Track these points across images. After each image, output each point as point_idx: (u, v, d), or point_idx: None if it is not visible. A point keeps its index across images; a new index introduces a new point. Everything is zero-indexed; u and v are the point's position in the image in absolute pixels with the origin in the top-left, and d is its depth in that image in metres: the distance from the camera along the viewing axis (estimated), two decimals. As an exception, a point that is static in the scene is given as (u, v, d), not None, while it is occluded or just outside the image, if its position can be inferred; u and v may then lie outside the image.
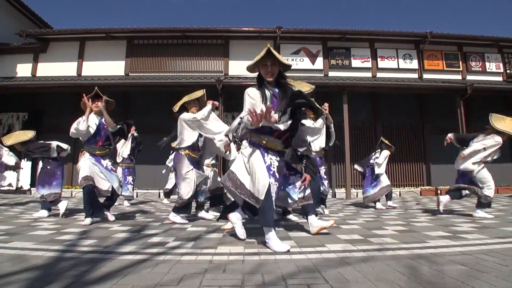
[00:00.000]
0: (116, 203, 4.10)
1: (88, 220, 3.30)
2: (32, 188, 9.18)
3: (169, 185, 6.81)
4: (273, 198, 2.19)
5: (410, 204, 6.13)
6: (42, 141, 4.51)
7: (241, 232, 2.37)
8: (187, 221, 3.47)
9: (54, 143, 4.41)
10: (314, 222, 2.60)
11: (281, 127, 2.16)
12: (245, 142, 2.35)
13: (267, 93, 2.27)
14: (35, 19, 12.07)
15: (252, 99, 2.25)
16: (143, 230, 2.91)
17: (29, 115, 10.11)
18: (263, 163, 2.21)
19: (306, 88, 2.73)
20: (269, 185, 2.16)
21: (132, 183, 6.06)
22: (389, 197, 5.32)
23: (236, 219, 2.40)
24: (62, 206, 4.04)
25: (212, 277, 1.50)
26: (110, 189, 3.55)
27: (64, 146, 4.54)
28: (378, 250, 2.04)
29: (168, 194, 6.95)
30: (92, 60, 10.38)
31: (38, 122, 10.14)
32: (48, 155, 4.28)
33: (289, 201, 2.68)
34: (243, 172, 2.29)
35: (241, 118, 2.23)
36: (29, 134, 4.41)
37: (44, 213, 4.09)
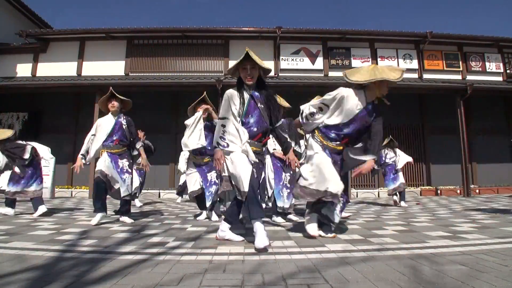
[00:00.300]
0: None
1: (98, 217, 3.19)
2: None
3: (180, 182, 6.85)
4: (257, 190, 2.21)
5: (410, 204, 6.13)
6: (20, 141, 4.47)
7: (235, 237, 2.37)
8: (206, 219, 3.72)
9: (30, 146, 4.35)
10: (310, 229, 2.49)
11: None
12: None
13: (246, 95, 2.34)
14: (35, 19, 12.07)
15: (229, 101, 2.31)
16: (143, 230, 2.90)
17: (29, 115, 10.12)
18: (244, 156, 2.24)
19: (396, 73, 2.34)
20: (252, 176, 2.18)
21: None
22: (402, 197, 5.87)
23: (222, 232, 2.39)
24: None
25: (212, 277, 1.50)
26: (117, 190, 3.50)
27: (43, 151, 4.47)
28: (378, 250, 2.04)
29: (180, 192, 6.95)
30: (92, 60, 10.39)
31: (38, 122, 10.16)
32: (21, 155, 4.24)
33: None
34: (228, 170, 2.32)
35: (223, 126, 2.29)
36: (8, 133, 4.40)
37: (8, 210, 4.11)
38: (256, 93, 2.36)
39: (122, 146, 3.62)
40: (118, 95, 3.68)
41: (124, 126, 3.62)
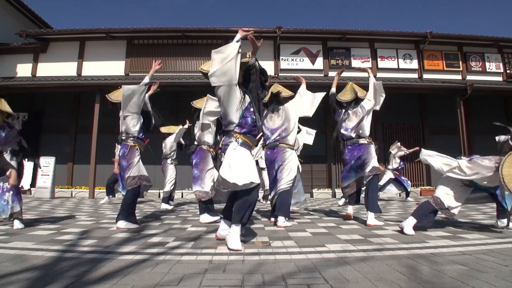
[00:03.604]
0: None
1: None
2: (32, 188, 9.18)
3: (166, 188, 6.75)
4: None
5: (410, 204, 6.13)
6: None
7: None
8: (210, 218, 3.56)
9: None
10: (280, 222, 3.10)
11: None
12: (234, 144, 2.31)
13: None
14: (35, 19, 12.07)
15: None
16: (143, 230, 2.91)
17: (29, 115, 10.11)
18: (249, 156, 2.25)
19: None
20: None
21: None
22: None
23: (222, 231, 2.38)
24: None
25: (212, 277, 1.50)
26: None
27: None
28: (378, 250, 2.04)
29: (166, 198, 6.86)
30: (92, 60, 10.38)
31: (38, 122, 10.15)
32: None
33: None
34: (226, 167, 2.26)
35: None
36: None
37: None
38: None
39: (128, 139, 3.22)
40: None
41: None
